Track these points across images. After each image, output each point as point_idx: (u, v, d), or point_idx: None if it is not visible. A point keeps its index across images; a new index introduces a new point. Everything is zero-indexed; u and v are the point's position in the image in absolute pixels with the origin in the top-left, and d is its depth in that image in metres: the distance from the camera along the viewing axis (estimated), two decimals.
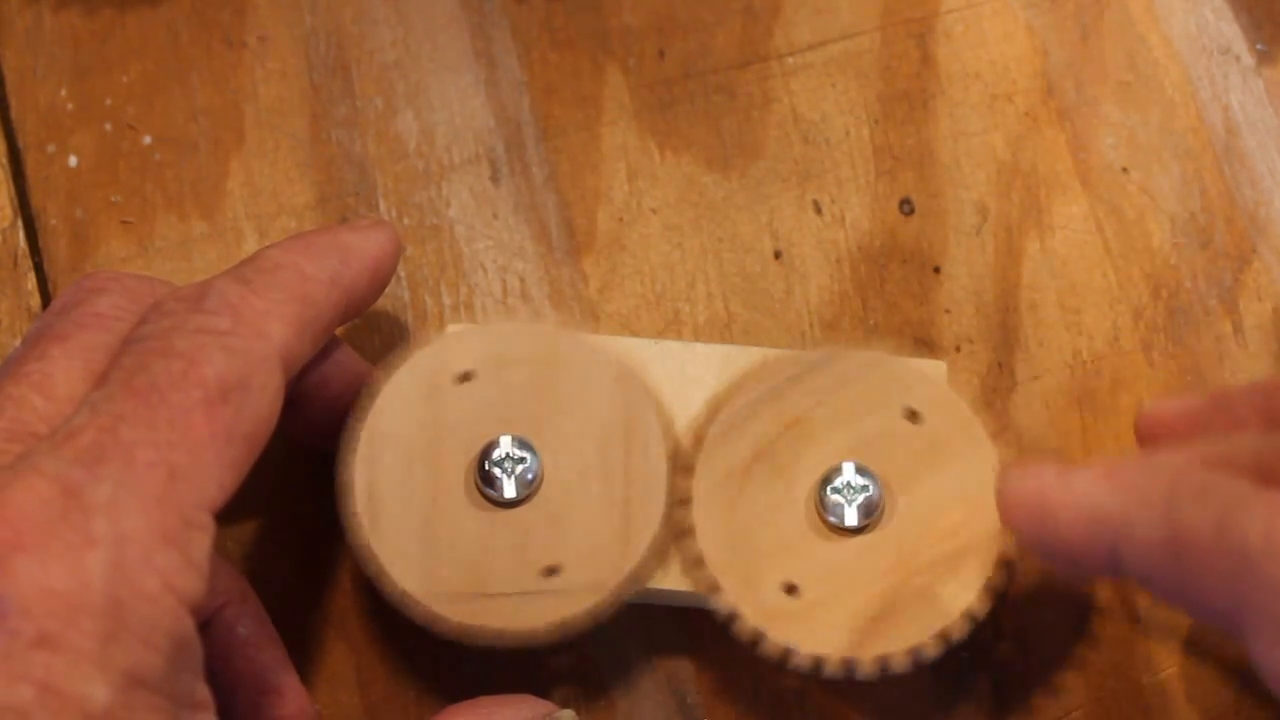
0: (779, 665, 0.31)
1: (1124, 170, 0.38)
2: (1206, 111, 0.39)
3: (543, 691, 0.34)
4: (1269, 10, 0.39)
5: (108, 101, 0.39)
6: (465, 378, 0.33)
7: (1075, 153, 0.38)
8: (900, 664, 0.31)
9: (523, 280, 0.37)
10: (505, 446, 0.32)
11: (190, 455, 0.26)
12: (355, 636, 0.35)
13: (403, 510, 0.32)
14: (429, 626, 0.31)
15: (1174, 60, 0.39)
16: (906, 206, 0.38)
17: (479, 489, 0.32)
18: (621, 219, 0.38)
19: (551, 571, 0.31)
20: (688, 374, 0.34)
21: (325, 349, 0.33)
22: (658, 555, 0.32)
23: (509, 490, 0.32)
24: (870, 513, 0.32)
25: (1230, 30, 0.39)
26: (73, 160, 0.38)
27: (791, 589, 0.31)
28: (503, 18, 0.39)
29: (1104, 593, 0.35)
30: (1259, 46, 0.39)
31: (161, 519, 0.25)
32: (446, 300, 0.37)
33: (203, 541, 0.26)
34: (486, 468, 0.32)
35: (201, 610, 0.26)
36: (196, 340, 0.27)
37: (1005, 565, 0.31)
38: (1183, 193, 0.38)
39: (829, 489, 0.32)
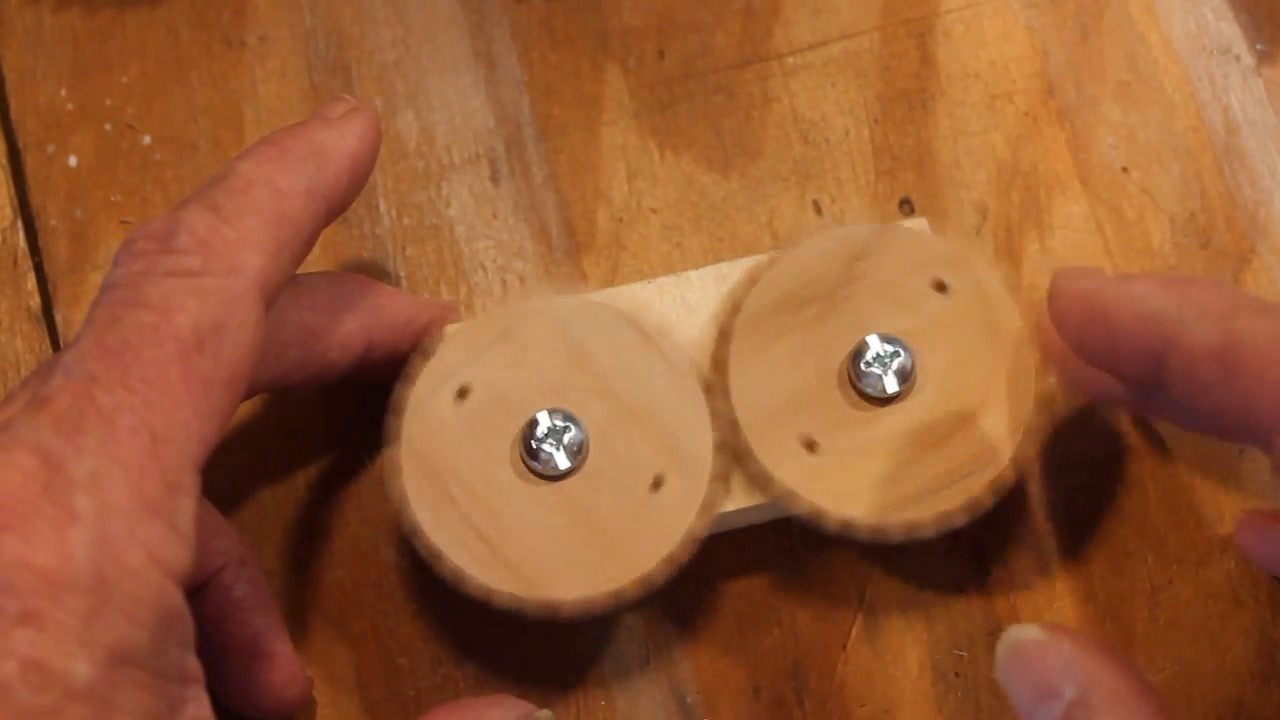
0: (832, 532, 0.32)
1: (1124, 170, 0.38)
2: (1206, 111, 0.39)
3: (544, 693, 0.34)
4: (1269, 10, 0.39)
5: (108, 101, 0.39)
6: (465, 388, 0.33)
7: (1075, 152, 0.38)
8: (928, 530, 0.32)
9: (523, 280, 0.37)
10: (545, 421, 0.32)
11: (169, 415, 0.26)
12: (355, 636, 0.35)
13: (472, 513, 0.32)
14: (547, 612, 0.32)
15: (1174, 60, 0.39)
16: (906, 206, 0.38)
17: (527, 466, 0.32)
18: (621, 219, 0.38)
19: (658, 484, 0.32)
20: (689, 301, 0.35)
21: (388, 316, 0.33)
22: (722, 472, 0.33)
23: (562, 462, 0.32)
24: (905, 378, 0.33)
25: (1230, 30, 0.39)
26: (73, 160, 0.38)
27: (813, 447, 0.32)
28: (503, 18, 0.39)
29: (1104, 597, 0.35)
30: (1259, 46, 0.39)
31: (144, 488, 0.25)
32: (447, 300, 0.37)
33: (187, 505, 0.26)
34: (534, 446, 0.32)
35: (192, 578, 0.26)
36: (167, 286, 0.27)
37: (1030, 436, 0.32)
38: (1183, 192, 0.38)
39: (861, 363, 0.33)
